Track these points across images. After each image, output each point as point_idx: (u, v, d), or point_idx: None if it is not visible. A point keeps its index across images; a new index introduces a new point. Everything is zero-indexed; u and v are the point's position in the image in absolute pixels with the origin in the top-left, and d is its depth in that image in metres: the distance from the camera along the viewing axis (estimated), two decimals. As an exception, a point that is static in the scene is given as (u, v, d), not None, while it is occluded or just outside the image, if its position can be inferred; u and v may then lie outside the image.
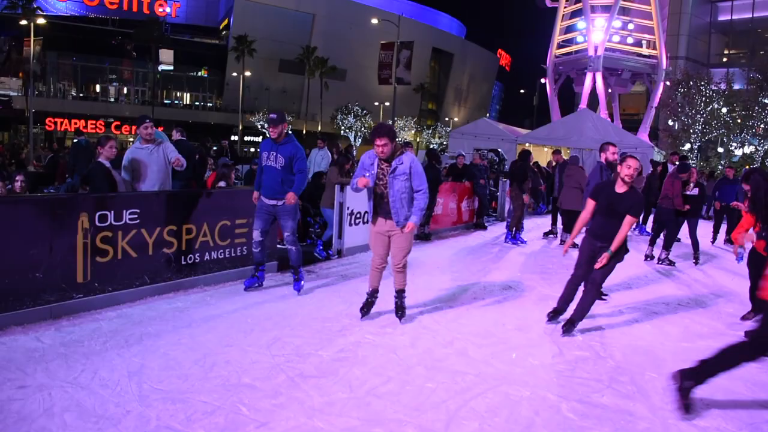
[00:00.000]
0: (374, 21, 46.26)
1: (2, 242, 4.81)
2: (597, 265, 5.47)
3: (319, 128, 61.26)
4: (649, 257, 10.13)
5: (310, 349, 4.83)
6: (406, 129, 65.79)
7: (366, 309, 5.80)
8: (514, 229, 11.27)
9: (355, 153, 26.87)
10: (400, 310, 5.75)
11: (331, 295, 6.67)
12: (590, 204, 5.60)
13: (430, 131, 71.13)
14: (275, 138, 6.37)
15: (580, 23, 39.41)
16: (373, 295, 5.80)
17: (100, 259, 5.57)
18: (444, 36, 77.70)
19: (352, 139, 58.91)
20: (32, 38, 36.89)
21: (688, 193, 9.61)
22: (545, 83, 41.95)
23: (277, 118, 6.36)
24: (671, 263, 9.71)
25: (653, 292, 7.77)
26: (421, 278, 7.71)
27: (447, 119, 76.61)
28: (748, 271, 6.60)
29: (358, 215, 9.31)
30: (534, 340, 5.45)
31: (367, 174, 5.35)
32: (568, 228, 11.19)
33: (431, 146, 59.29)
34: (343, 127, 60.61)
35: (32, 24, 37.36)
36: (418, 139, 70.09)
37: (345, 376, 4.28)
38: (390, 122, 53.89)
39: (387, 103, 59.83)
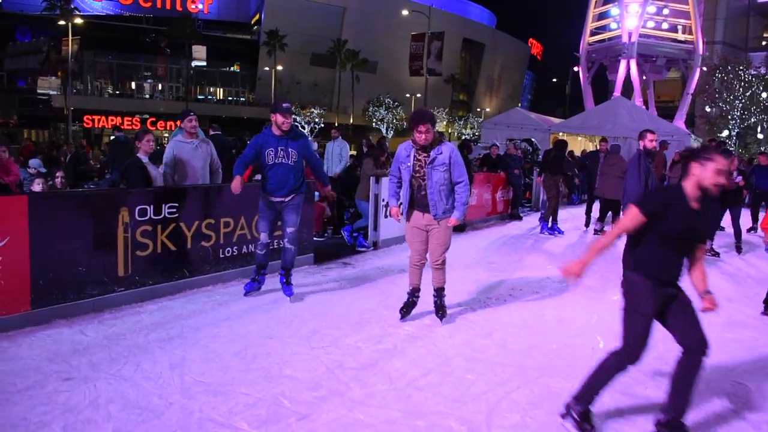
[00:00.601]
0: (405, 12, 46.11)
1: (46, 237, 4.88)
2: (704, 309, 3.41)
3: (351, 121, 61.34)
4: None
5: (349, 340, 4.81)
6: (438, 120, 65.47)
7: (406, 309, 5.44)
8: (550, 219, 11.11)
9: (387, 144, 26.80)
10: (440, 309, 5.40)
11: (369, 286, 6.65)
12: (636, 216, 3.29)
13: (461, 122, 70.67)
14: (286, 131, 5.87)
15: (614, 9, 38.68)
16: (414, 294, 5.44)
17: (140, 253, 5.63)
18: (474, 26, 76.96)
19: (384, 131, 58.87)
20: (70, 38, 37.62)
21: (735, 180, 9.30)
22: (578, 71, 41.33)
23: (290, 107, 5.99)
24: (716, 254, 9.41)
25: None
26: (457, 270, 7.61)
27: (479, 110, 75.97)
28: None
29: (392, 207, 9.25)
30: (574, 331, 5.34)
31: (407, 165, 5.14)
32: (603, 216, 11.02)
33: (463, 137, 58.94)
34: (374, 120, 60.57)
35: (70, 24, 38.05)
36: (449, 130, 69.71)
37: (384, 368, 4.25)
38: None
39: (418, 95, 59.55)
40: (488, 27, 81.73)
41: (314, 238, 7.95)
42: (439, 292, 5.42)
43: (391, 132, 60.08)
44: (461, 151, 11.63)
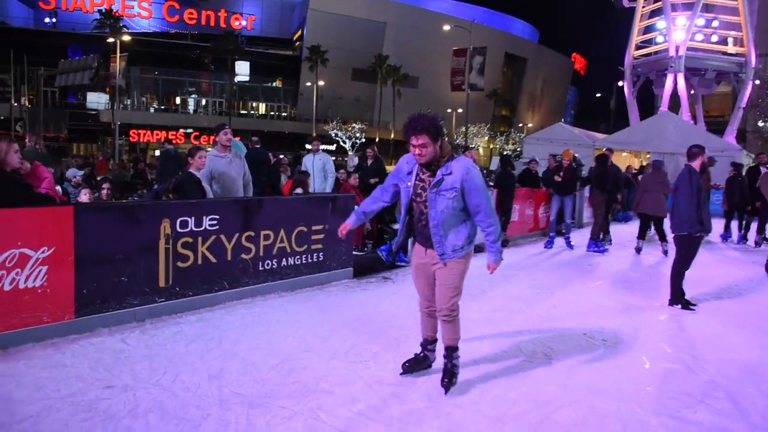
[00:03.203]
0: (446, 27, 46.23)
1: (90, 247, 4.99)
2: None
3: (392, 136, 61.60)
4: None
5: (388, 356, 4.76)
6: (479, 135, 65.24)
7: (410, 365, 4.40)
8: (593, 235, 10.89)
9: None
10: (448, 375, 4.15)
11: (408, 302, 6.57)
12: None
13: (503, 138, 70.26)
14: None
15: (660, 23, 38.03)
16: (425, 347, 4.43)
17: (181, 264, 5.71)
18: (517, 41, 76.68)
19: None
20: (118, 54, 38.81)
21: None
22: (623, 86, 40.69)
23: None
24: None
25: (747, 302, 7.31)
26: (498, 285, 7.54)
27: (521, 125, 75.44)
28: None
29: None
30: (620, 351, 5.19)
31: (406, 185, 4.02)
32: (643, 233, 10.77)
33: (505, 153, 58.55)
34: (415, 135, 60.67)
35: (118, 41, 39.31)
36: (491, 146, 69.36)
37: (423, 385, 4.19)
38: (463, 129, 53.56)
39: (460, 110, 59.49)
40: (531, 42, 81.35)
41: (354, 252, 7.95)
42: (450, 353, 4.20)
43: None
44: (504, 167, 11.56)
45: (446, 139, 3.99)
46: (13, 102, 46.00)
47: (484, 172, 16.60)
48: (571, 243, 11.03)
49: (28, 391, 3.81)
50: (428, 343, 4.42)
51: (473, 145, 58.66)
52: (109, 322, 5.13)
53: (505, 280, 7.98)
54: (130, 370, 4.24)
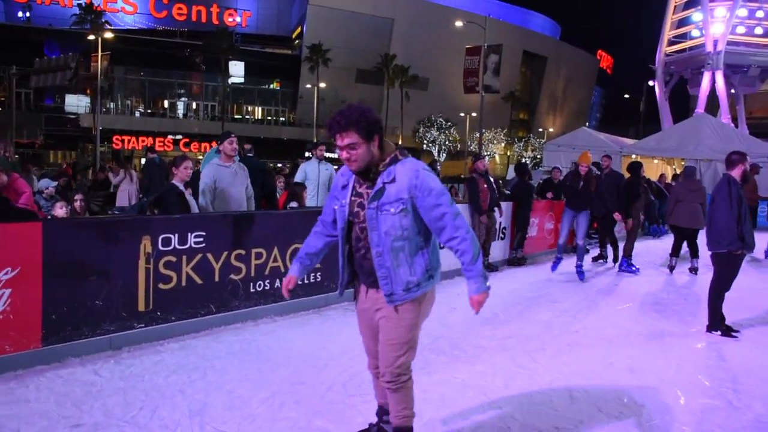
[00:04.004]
0: (459, 24, 46.37)
1: (61, 267, 4.95)
2: None
3: (400, 142, 61.65)
4: None
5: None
6: (495, 142, 65.29)
7: None
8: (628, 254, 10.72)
9: (439, 168, 26.78)
10: None
11: (413, 327, 6.53)
12: None
13: (521, 144, 70.29)
14: None
15: (696, 15, 38.03)
16: (381, 417, 3.73)
17: (163, 286, 5.66)
18: (536, 38, 76.91)
19: (435, 154, 58.95)
20: (99, 53, 39.03)
21: None
22: (654, 86, 40.66)
23: None
24: None
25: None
26: (514, 308, 7.48)
27: (540, 130, 75.52)
28: None
29: (442, 237, 9.16)
30: (649, 383, 5.10)
31: (341, 203, 3.33)
32: (677, 249, 10.65)
33: (523, 160, 58.56)
34: (426, 141, 60.76)
35: (99, 39, 39.53)
36: (508, 153, 69.40)
37: (430, 421, 4.12)
38: (477, 135, 53.51)
39: (474, 114, 59.57)
40: (551, 38, 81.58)
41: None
42: None
43: (443, 155, 60.10)
44: (521, 176, 11.50)
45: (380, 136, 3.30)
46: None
47: (500, 182, 16.50)
48: (582, 272, 9.78)
49: (-14, 431, 3.76)
50: (384, 413, 3.66)
51: (488, 153, 58.73)
52: (80, 351, 5.08)
53: (522, 302, 7.92)
54: (102, 405, 4.19)
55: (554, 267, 10.05)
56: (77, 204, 7.61)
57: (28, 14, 60.10)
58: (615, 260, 11.25)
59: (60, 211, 7.33)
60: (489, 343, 5.99)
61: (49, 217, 7.41)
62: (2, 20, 59.07)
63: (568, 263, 10.10)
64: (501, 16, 67.65)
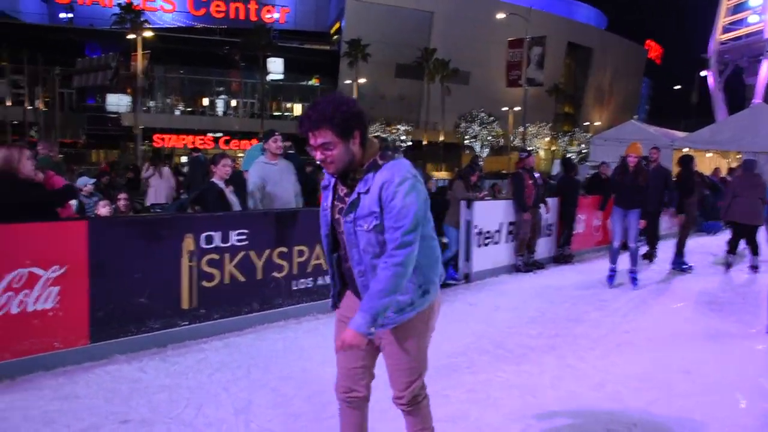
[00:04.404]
0: (501, 16, 45.97)
1: (107, 265, 5.08)
2: None
3: (441, 138, 61.44)
4: None
5: (435, 387, 4.66)
6: (539, 136, 64.63)
7: None
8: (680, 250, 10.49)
9: (482, 164, 26.63)
10: None
11: (458, 326, 6.51)
12: None
13: (566, 138, 69.41)
14: None
15: None
16: None
17: (206, 284, 5.76)
18: (581, 28, 75.79)
19: (477, 149, 58.60)
20: (140, 52, 39.66)
21: None
22: (707, 76, 39.74)
23: None
24: None
25: None
26: (561, 306, 7.41)
27: (586, 123, 74.42)
28: None
29: (487, 235, 9.14)
30: (707, 386, 4.99)
31: (324, 206, 3.01)
32: (734, 246, 10.38)
33: (568, 155, 57.83)
34: (467, 137, 60.44)
35: (139, 38, 40.17)
36: (553, 148, 68.61)
37: (476, 422, 4.11)
38: (520, 129, 52.94)
39: (517, 108, 59.06)
40: (597, 29, 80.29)
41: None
42: None
43: (486, 150, 59.69)
44: (566, 172, 11.37)
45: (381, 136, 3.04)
46: (27, 105, 47.33)
47: (548, 177, 16.25)
48: (637, 279, 8.99)
49: (35, 426, 3.88)
50: None
51: (532, 148, 58.15)
52: (126, 349, 5.20)
53: (569, 299, 7.84)
54: (148, 402, 4.28)
55: (610, 281, 8.93)
56: (121, 203, 7.77)
57: (70, 15, 61.49)
58: (649, 258, 11.02)
59: (103, 209, 7.49)
60: (535, 342, 5.95)
61: (93, 215, 7.59)
62: (45, 21, 60.57)
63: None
64: (544, 7, 66.76)
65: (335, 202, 2.89)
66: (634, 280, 8.92)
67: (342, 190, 2.85)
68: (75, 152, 46.28)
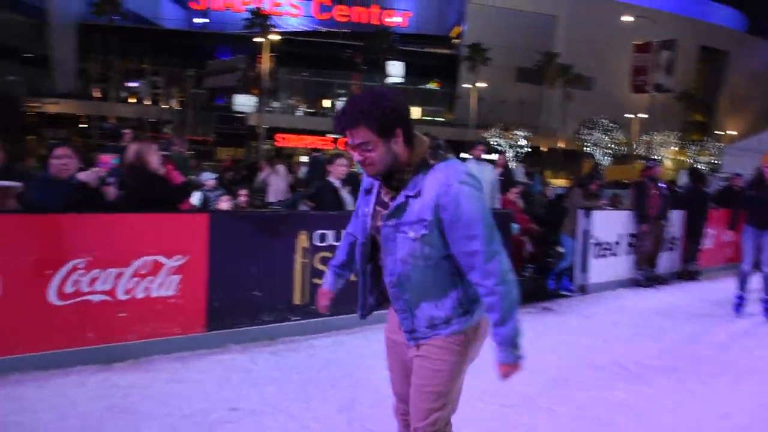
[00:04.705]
0: (628, 18, 44.29)
1: (224, 257, 5.26)
2: None
3: (561, 144, 60.03)
4: None
5: (544, 402, 4.53)
6: (665, 145, 61.76)
7: None
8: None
9: (602, 173, 25.76)
10: None
11: (571, 338, 6.29)
12: None
13: (696, 148, 65.98)
14: None
15: None
16: None
17: (318, 281, 5.81)
18: (716, 31, 71.70)
19: (598, 157, 56.74)
20: (266, 55, 41.17)
21: None
22: None
23: None
24: None
25: None
26: (684, 325, 7.01)
27: (719, 133, 70.39)
28: None
29: (606, 246, 8.79)
30: None
31: (365, 211, 2.66)
32: None
33: (697, 166, 54.94)
34: (588, 143, 58.68)
35: (265, 41, 41.76)
36: (681, 158, 65.42)
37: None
38: (645, 137, 50.77)
39: (642, 115, 56.76)
40: (735, 31, 75.76)
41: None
42: None
43: (607, 158, 57.70)
44: (694, 182, 10.74)
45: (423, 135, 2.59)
46: (163, 104, 50.36)
47: (675, 188, 15.35)
48: None
49: (152, 406, 4.06)
50: None
51: (658, 157, 55.66)
52: (239, 339, 5.36)
53: (693, 319, 7.40)
54: (259, 392, 4.38)
55: (737, 309, 7.82)
56: (241, 199, 8.03)
57: (204, 20, 65.00)
58: None
59: (224, 204, 7.79)
60: (654, 362, 5.62)
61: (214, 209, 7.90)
62: (182, 26, 64.31)
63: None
64: (675, 9, 63.83)
65: (377, 208, 2.56)
66: (767, 310, 7.65)
67: (386, 194, 2.53)
68: (204, 149, 48.67)
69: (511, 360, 2.51)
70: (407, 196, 2.41)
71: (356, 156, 2.43)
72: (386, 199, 2.52)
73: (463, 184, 2.35)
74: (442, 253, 2.44)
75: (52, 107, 50.34)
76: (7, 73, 49.11)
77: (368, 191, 2.64)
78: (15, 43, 49.38)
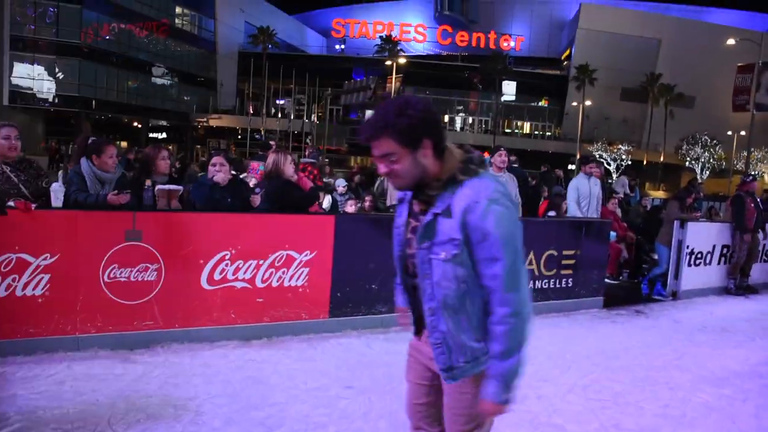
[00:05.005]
0: (731, 42, 41.27)
1: (347, 254, 5.36)
2: None
3: (662, 159, 57.06)
4: None
5: (631, 398, 4.30)
6: (764, 161, 57.01)
7: None
8: None
9: (700, 187, 24.20)
10: None
11: (661, 341, 5.93)
12: None
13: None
14: None
15: None
16: None
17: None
18: (822, 53, 65.49)
19: (698, 172, 53.26)
20: (394, 76, 41.84)
21: None
22: None
23: None
24: None
25: None
26: (763, 340, 6.38)
27: (822, 150, 64.14)
28: None
29: (699, 255, 8.23)
30: None
31: (397, 227, 2.27)
32: None
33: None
34: (688, 159, 55.23)
35: (394, 64, 42.45)
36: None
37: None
38: (744, 153, 47.22)
39: (742, 132, 52.67)
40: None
41: (606, 280, 7.46)
42: None
43: (707, 173, 54.04)
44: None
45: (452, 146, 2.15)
46: (305, 119, 52.61)
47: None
48: None
49: (281, 379, 4.20)
50: None
51: (756, 172, 51.45)
52: (357, 326, 5.45)
53: (758, 327, 6.78)
54: (370, 374, 4.42)
55: None
56: (367, 204, 8.16)
57: (342, 46, 67.24)
58: None
59: (350, 208, 7.93)
60: (740, 366, 5.20)
61: (342, 212, 8.07)
62: (324, 52, 66.83)
63: None
64: (779, 33, 58.81)
65: (410, 219, 2.17)
66: None
67: (417, 206, 2.13)
68: (338, 157, 50.17)
69: (498, 399, 2.01)
70: (435, 214, 2.01)
71: (382, 168, 2.05)
72: (417, 210, 2.12)
73: (493, 203, 1.95)
74: (474, 279, 2.01)
75: (215, 121, 54.41)
76: (185, 94, 53.73)
77: (401, 201, 2.27)
78: (192, 70, 54.44)
